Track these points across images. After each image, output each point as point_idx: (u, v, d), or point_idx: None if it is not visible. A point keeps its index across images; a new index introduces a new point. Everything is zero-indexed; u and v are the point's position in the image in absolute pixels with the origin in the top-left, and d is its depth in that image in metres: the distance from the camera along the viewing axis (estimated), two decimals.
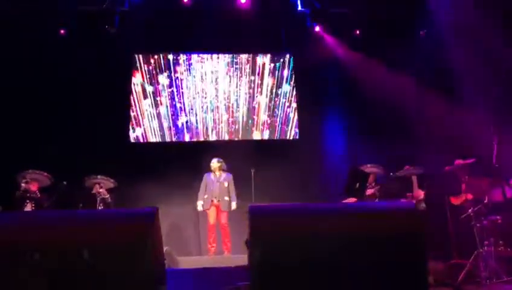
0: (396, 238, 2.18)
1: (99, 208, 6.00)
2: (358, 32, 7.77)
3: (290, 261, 2.22)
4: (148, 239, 2.20)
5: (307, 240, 2.27)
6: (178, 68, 8.03)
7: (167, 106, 7.88)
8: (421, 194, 5.98)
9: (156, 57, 8.01)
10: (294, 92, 8.08)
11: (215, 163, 6.62)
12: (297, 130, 7.97)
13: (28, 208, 5.35)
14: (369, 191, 6.12)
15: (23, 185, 5.37)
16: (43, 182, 5.63)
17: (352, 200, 5.60)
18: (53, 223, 2.13)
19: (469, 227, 4.75)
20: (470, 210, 4.81)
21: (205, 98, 8.00)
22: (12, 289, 2.01)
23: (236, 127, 7.96)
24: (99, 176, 6.13)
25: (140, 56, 7.97)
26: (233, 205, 6.53)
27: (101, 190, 6.06)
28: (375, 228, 2.25)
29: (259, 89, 8.10)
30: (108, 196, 6.13)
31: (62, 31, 7.26)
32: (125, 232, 2.18)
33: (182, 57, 8.07)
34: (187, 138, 7.83)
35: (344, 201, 5.67)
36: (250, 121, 7.99)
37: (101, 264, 2.11)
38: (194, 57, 8.10)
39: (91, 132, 7.09)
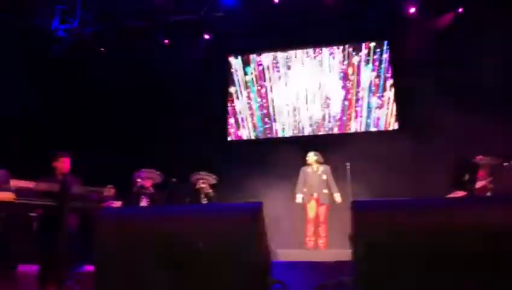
0: (505, 235, 2.03)
1: (203, 202, 6.44)
2: (461, 10, 7.19)
3: (395, 258, 2.19)
4: (255, 232, 2.33)
5: (413, 236, 2.21)
6: (273, 66, 8.23)
7: (263, 103, 8.14)
8: None
9: (251, 57, 8.30)
10: (392, 81, 7.76)
11: (311, 156, 6.64)
12: (396, 121, 7.66)
13: (144, 203, 5.92)
14: (479, 184, 5.66)
15: (139, 181, 5.96)
16: (155, 179, 6.19)
17: (460, 193, 5.24)
18: (171, 218, 2.37)
19: None
20: None
21: (301, 93, 8.08)
22: (139, 278, 2.25)
23: (332, 120, 7.90)
24: (202, 173, 6.58)
25: (237, 58, 8.34)
26: (338, 197, 6.44)
27: (203, 185, 6.49)
28: (488, 224, 2.12)
29: (354, 81, 7.94)
30: (211, 191, 6.54)
31: (166, 41, 7.90)
32: (234, 225, 2.33)
33: (277, 55, 8.26)
34: (284, 134, 8.00)
35: (451, 195, 5.33)
36: (345, 114, 7.87)
37: (215, 255, 2.30)
38: (288, 54, 8.23)
39: (194, 132, 7.64)
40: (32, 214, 4.44)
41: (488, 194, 5.63)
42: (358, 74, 7.93)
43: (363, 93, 7.86)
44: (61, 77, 7.87)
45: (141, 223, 2.40)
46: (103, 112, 7.88)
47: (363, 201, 2.43)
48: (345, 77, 7.98)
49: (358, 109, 7.84)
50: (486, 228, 2.15)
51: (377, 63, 7.88)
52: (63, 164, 4.44)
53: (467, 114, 6.68)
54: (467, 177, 5.09)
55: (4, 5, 6.95)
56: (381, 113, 7.76)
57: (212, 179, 6.63)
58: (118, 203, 4.46)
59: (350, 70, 7.96)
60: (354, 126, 7.82)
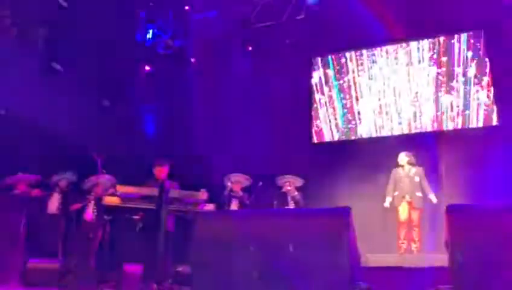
0: None
1: (290, 205, 6.52)
2: None
3: (495, 264, 2.06)
4: (343, 237, 2.34)
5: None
6: (358, 63, 8.07)
7: (347, 103, 8.01)
8: None
9: (334, 56, 8.23)
10: (490, 74, 7.13)
11: (403, 157, 6.38)
12: (496, 117, 7.03)
13: (234, 205, 6.17)
14: None
15: (229, 185, 6.23)
16: (243, 183, 6.42)
17: None
18: (263, 220, 2.47)
19: None
20: None
21: (388, 90, 7.81)
22: (232, 277, 2.38)
23: (422, 118, 7.50)
24: (288, 176, 6.66)
25: (319, 58, 8.32)
26: (433, 198, 6.13)
27: (290, 188, 6.56)
28: None
29: (447, 75, 7.45)
30: (297, 193, 6.59)
31: (249, 48, 8.19)
32: (323, 229, 2.37)
33: (362, 52, 8.08)
34: (370, 134, 7.79)
35: None
36: (439, 110, 7.41)
37: (304, 258, 2.35)
38: (373, 49, 8.00)
39: (279, 135, 7.78)
40: (135, 217, 4.89)
41: None
42: (452, 67, 7.42)
43: (458, 87, 7.34)
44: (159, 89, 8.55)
45: (235, 225, 2.54)
46: (197, 119, 8.34)
47: (459, 205, 2.31)
48: (437, 71, 7.52)
49: (453, 104, 7.34)
50: None
51: (472, 55, 7.31)
52: (162, 171, 4.82)
53: None
54: None
55: (109, 21, 7.75)
56: (479, 109, 7.17)
57: (298, 182, 6.68)
58: (211, 206, 4.70)
59: (443, 64, 7.49)
60: (449, 123, 7.32)
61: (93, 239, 6.49)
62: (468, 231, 2.18)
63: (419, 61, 7.64)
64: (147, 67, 8.43)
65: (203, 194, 4.46)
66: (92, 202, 6.48)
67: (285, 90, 8.05)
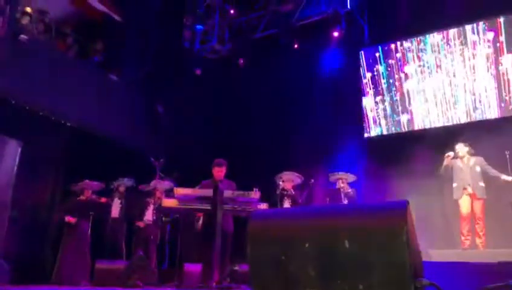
0: None
1: (345, 201, 6.42)
2: None
3: None
4: (401, 232, 2.27)
5: None
6: (408, 54, 7.80)
7: (400, 97, 7.76)
8: None
9: (384, 48, 8.00)
10: None
11: (462, 148, 6.08)
12: None
13: (286, 204, 6.18)
14: None
15: (281, 184, 6.25)
16: (295, 181, 6.41)
17: None
18: (317, 217, 2.46)
19: None
20: None
21: (440, 80, 7.48)
22: (285, 276, 2.39)
23: (481, 105, 7.10)
24: (340, 172, 6.57)
25: (369, 50, 8.12)
26: (508, 178, 5.76)
27: (343, 185, 6.48)
28: None
29: (503, 60, 7.00)
30: (350, 190, 6.49)
31: (296, 46, 8.16)
32: (380, 224, 2.31)
33: (411, 41, 7.80)
34: (427, 125, 7.49)
35: None
36: (501, 96, 6.98)
37: (361, 254, 2.31)
38: (423, 38, 7.69)
39: (331, 131, 7.69)
40: (195, 218, 5.05)
41: None
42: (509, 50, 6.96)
43: None
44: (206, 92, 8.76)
45: (289, 223, 2.55)
46: (247, 120, 8.45)
47: None
48: (494, 57, 7.08)
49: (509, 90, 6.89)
50: None
51: None
52: (220, 171, 4.92)
53: None
54: None
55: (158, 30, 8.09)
56: None
57: (350, 178, 6.58)
58: (264, 205, 4.74)
59: (500, 48, 7.04)
60: (507, 110, 6.88)
61: (153, 240, 6.80)
62: None
63: (476, 47, 7.23)
64: (197, 72, 8.65)
65: (255, 194, 4.51)
66: (152, 206, 6.77)
67: (335, 85, 7.93)
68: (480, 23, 7.24)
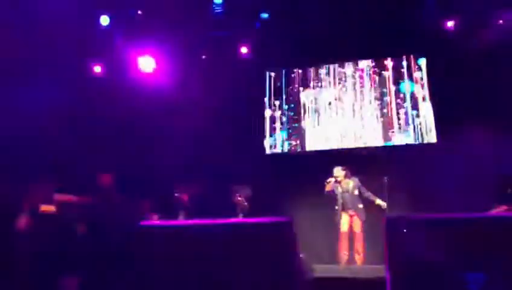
0: None
1: (240, 215, 6.52)
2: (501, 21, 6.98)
3: (432, 274, 2.15)
4: (285, 246, 2.36)
5: (452, 253, 2.17)
6: (308, 80, 8.29)
7: (296, 117, 8.17)
8: None
9: (285, 71, 8.41)
10: (430, 94, 7.59)
11: (339, 171, 6.50)
12: (434, 134, 7.47)
13: (181, 216, 6.07)
14: None
15: (176, 195, 6.12)
16: (191, 193, 6.34)
17: (502, 208, 5.03)
18: (203, 231, 2.44)
19: None
20: None
21: (334, 106, 8.07)
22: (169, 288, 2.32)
23: (367, 133, 7.81)
24: (238, 186, 6.67)
25: (273, 73, 8.47)
26: (381, 202, 6.27)
27: (240, 199, 6.57)
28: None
29: (392, 93, 7.83)
30: (246, 204, 6.61)
31: (203, 56, 8.13)
32: (265, 239, 2.37)
33: (311, 69, 8.31)
34: (318, 147, 7.97)
35: (495, 210, 5.12)
36: (382, 126, 7.75)
37: (245, 268, 2.33)
38: (321, 67, 8.26)
39: (232, 145, 7.74)
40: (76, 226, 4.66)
41: None
42: (395, 86, 7.82)
43: (400, 105, 7.73)
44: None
45: (174, 236, 2.48)
46: (143, 128, 8.11)
47: (397, 216, 2.40)
48: (380, 90, 7.89)
49: (394, 121, 7.71)
50: None
51: (415, 77, 7.75)
52: (106, 179, 4.65)
53: (508, 129, 6.45)
54: (509, 191, 4.88)
55: None
56: (419, 126, 7.58)
57: (247, 191, 6.69)
58: (155, 217, 4.60)
59: (386, 83, 7.87)
60: (390, 139, 7.67)
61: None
62: (405, 242, 2.26)
63: (365, 79, 7.98)
64: None
65: (146, 204, 4.35)
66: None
67: (239, 101, 8.04)
68: (370, 60, 8.03)
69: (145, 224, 2.85)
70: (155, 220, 4.67)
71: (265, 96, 8.40)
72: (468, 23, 6.93)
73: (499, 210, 5.11)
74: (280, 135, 8.18)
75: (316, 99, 8.17)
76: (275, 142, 8.18)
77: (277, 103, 8.35)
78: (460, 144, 6.72)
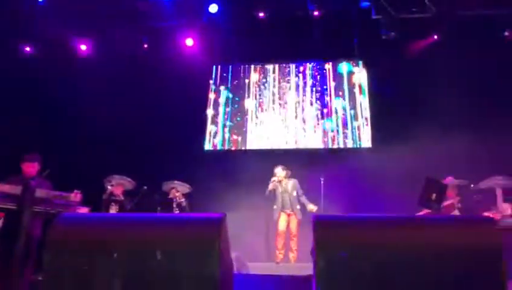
0: (467, 254, 2.07)
1: (176, 211, 6.36)
2: (436, 37, 7.46)
3: (355, 273, 2.20)
4: (215, 243, 2.30)
5: (373, 252, 2.23)
6: (252, 78, 8.27)
7: (238, 114, 8.14)
8: (507, 207, 5.50)
9: (231, 68, 8.33)
10: (367, 100, 7.90)
11: (280, 171, 6.58)
12: (370, 139, 7.77)
13: (113, 210, 5.79)
14: (446, 204, 5.77)
15: (109, 188, 5.85)
16: (126, 186, 6.09)
17: (426, 212, 5.33)
18: (130, 226, 2.32)
19: None
20: None
21: (276, 106, 8.13)
22: (91, 285, 2.18)
23: (307, 135, 7.95)
24: (175, 181, 6.50)
25: (218, 67, 8.35)
26: (313, 207, 6.39)
27: (177, 194, 6.41)
28: (443, 242, 2.15)
29: (330, 97, 8.04)
30: (183, 200, 6.47)
31: (145, 45, 7.85)
32: (194, 236, 2.30)
33: (255, 68, 8.31)
34: (257, 146, 7.99)
35: (418, 213, 5.41)
36: (319, 129, 7.94)
37: (172, 265, 2.25)
38: (265, 67, 8.30)
39: (171, 141, 7.55)
40: None
41: (456, 212, 5.76)
42: (334, 91, 8.04)
43: (337, 110, 7.96)
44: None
45: (98, 230, 2.34)
46: (75, 114, 7.69)
47: (324, 216, 2.45)
48: (321, 94, 8.07)
49: (332, 125, 7.92)
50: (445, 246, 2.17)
51: (352, 82, 8.02)
52: (30, 167, 4.35)
53: (439, 135, 6.85)
54: (434, 196, 5.17)
55: None
56: (357, 130, 7.85)
57: (185, 188, 6.56)
58: (84, 210, 4.34)
59: (325, 87, 8.07)
60: (328, 141, 7.88)
61: None
62: (331, 241, 2.29)
63: (306, 83, 8.13)
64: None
65: (75, 196, 4.10)
66: None
67: (181, 95, 7.86)
68: (312, 63, 8.19)
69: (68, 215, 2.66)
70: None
71: (209, 91, 8.28)
72: (405, 32, 7.29)
73: (423, 214, 5.41)
74: (221, 132, 8.10)
75: (259, 98, 8.19)
76: (216, 139, 8.09)
77: (220, 99, 8.26)
78: (394, 148, 7.03)
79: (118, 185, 5.95)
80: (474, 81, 7.06)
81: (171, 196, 6.43)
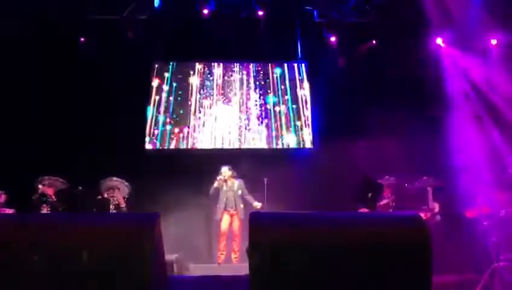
0: (398, 250, 2.13)
1: (113, 211, 6.09)
2: (374, 42, 7.78)
3: (290, 272, 2.19)
4: (146, 245, 2.20)
5: (307, 250, 2.24)
6: (195, 76, 8.12)
7: (181, 114, 7.94)
8: (436, 206, 5.86)
9: (174, 64, 8.13)
10: (309, 101, 8.05)
11: (226, 171, 6.56)
12: (312, 139, 7.92)
13: (44, 211, 5.45)
14: (382, 203, 6.02)
15: (40, 188, 5.50)
16: (58, 186, 5.75)
17: (363, 210, 5.52)
18: (55, 225, 2.17)
19: (484, 241, 4.63)
20: (485, 223, 4.69)
21: (220, 106, 8.05)
22: (9, 286, 2.02)
23: (251, 135, 7.95)
24: (114, 178, 6.22)
25: (159, 64, 8.11)
26: (258, 204, 6.45)
27: (114, 195, 6.13)
28: (375, 239, 2.20)
29: (274, 98, 8.10)
30: (122, 201, 6.20)
31: (82, 39, 7.44)
32: (124, 236, 2.19)
33: (199, 66, 8.16)
34: (201, 146, 7.86)
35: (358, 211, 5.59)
36: (264, 129, 7.97)
37: (100, 267, 2.13)
38: (208, 65, 8.19)
39: (109, 139, 7.21)
40: None
41: (391, 211, 6.03)
42: (277, 92, 8.11)
43: (280, 110, 8.04)
44: None
45: (19, 231, 2.16)
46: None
47: (259, 213, 2.43)
48: (264, 94, 8.11)
49: (275, 125, 7.98)
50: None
51: (294, 83, 8.14)
52: None
53: (376, 135, 7.15)
54: (370, 195, 5.39)
55: None
56: (298, 131, 7.97)
57: (124, 186, 6.29)
58: (9, 211, 4.03)
59: (269, 87, 8.12)
60: (272, 142, 7.93)
61: None
62: (266, 239, 2.27)
63: (254, 84, 8.14)
64: None
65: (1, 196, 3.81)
66: None
67: (122, 92, 7.51)
68: (253, 64, 8.19)
69: None
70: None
71: (150, 88, 7.99)
72: (346, 36, 7.53)
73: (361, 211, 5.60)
74: (161, 130, 7.85)
75: (203, 97, 8.06)
76: (157, 138, 7.83)
77: (163, 95, 8.01)
78: (334, 149, 7.22)
79: (49, 186, 5.61)
80: (407, 85, 7.40)
81: (108, 195, 6.14)
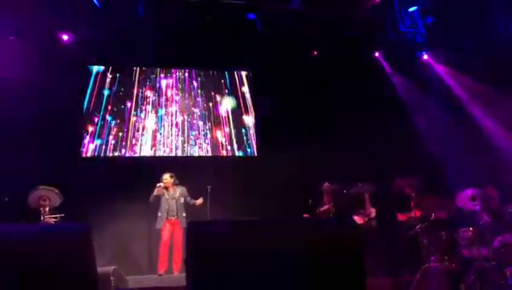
0: (332, 254, 2.18)
1: (46, 221, 5.71)
2: (316, 52, 8.01)
3: (230, 279, 2.17)
4: (80, 256, 2.08)
5: (246, 257, 2.22)
6: (136, 83, 7.86)
7: (122, 120, 7.65)
8: (372, 211, 6.11)
9: (113, 70, 7.82)
10: (253, 110, 8.10)
11: (168, 178, 6.41)
12: (255, 147, 7.96)
13: None
14: (324, 207, 6.18)
15: None
16: None
17: (304, 216, 5.63)
18: None
19: (417, 243, 4.88)
20: (417, 227, 4.95)
21: (162, 113, 7.86)
22: None
23: (194, 142, 7.84)
24: (41, 187, 5.81)
25: (98, 68, 7.77)
26: (200, 200, 6.39)
27: (45, 203, 5.74)
28: (313, 243, 2.23)
29: (218, 105, 8.06)
30: (53, 211, 5.82)
31: (11, 38, 6.91)
32: (51, 249, 2.05)
33: (141, 72, 7.91)
34: (141, 153, 7.60)
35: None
36: (207, 137, 7.89)
37: (25, 282, 1.98)
38: (152, 71, 7.98)
39: (41, 147, 6.73)
40: None
41: (331, 216, 6.20)
42: (222, 99, 8.09)
43: (224, 118, 8.01)
44: None
45: None
46: None
47: (197, 222, 2.38)
48: (208, 101, 8.04)
49: (219, 133, 7.93)
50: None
51: (239, 90, 8.16)
52: None
53: (318, 143, 7.32)
54: (310, 201, 5.49)
55: None
56: (243, 139, 7.99)
57: (54, 195, 5.89)
58: None
59: (213, 95, 8.08)
60: (215, 150, 7.86)
61: None
62: (203, 248, 2.23)
63: (194, 91, 8.05)
64: None
65: None
66: None
67: (57, 96, 7.01)
68: (200, 71, 8.14)
69: None
70: None
71: (86, 92, 7.60)
72: (288, 45, 7.66)
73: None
74: (101, 136, 7.50)
75: (143, 103, 7.82)
76: (93, 145, 7.44)
77: (101, 101, 7.65)
78: (277, 157, 7.30)
79: None
80: (348, 91, 7.68)
81: (37, 207, 5.74)
